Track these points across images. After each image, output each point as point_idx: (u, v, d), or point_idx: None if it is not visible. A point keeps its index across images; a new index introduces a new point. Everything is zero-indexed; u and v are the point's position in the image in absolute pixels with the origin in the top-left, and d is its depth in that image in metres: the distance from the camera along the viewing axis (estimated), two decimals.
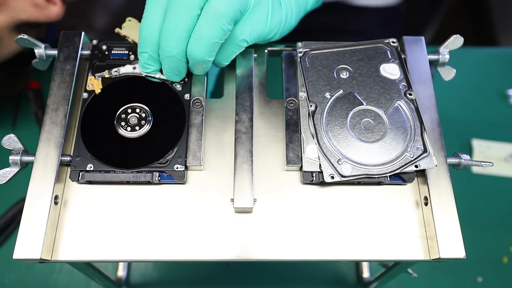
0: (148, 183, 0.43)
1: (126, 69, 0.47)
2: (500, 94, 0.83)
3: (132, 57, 0.48)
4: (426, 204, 0.43)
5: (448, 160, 0.44)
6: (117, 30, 0.47)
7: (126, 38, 0.48)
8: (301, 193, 0.44)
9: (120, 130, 0.44)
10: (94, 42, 0.48)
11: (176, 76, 0.45)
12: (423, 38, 0.50)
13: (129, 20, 0.48)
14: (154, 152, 0.43)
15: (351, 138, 0.44)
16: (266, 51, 0.50)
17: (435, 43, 0.54)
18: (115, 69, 0.47)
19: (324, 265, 0.68)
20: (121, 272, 0.66)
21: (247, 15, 0.43)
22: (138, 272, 0.67)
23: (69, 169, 0.43)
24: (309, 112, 0.45)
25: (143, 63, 0.45)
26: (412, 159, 0.43)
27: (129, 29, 0.48)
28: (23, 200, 0.44)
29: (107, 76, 0.46)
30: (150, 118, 0.45)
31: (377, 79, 0.47)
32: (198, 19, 0.41)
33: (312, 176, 0.43)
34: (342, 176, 0.42)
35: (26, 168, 0.42)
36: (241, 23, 0.43)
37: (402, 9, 0.90)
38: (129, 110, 0.45)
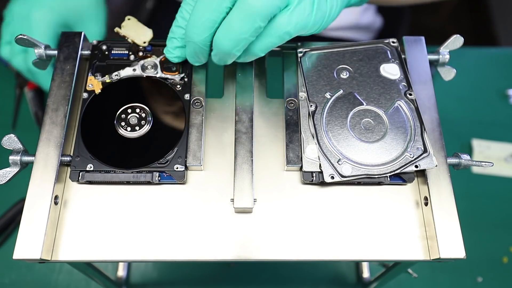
0: (148, 183, 0.43)
1: (126, 72, 0.47)
2: (500, 94, 0.83)
3: (132, 57, 0.48)
4: (426, 204, 0.43)
5: (448, 160, 0.44)
6: (116, 29, 0.47)
7: (126, 38, 0.48)
8: (301, 193, 0.44)
9: (120, 130, 0.44)
10: (94, 42, 0.48)
11: (195, 62, 0.45)
12: (423, 38, 0.50)
13: (129, 19, 0.48)
14: (154, 152, 0.43)
15: (351, 138, 0.44)
16: None
17: (434, 43, 0.54)
18: (116, 73, 0.47)
19: (324, 265, 0.68)
20: (121, 272, 0.66)
21: (293, 7, 0.40)
22: (138, 272, 0.67)
23: (69, 169, 0.43)
24: (309, 112, 0.45)
25: (168, 48, 0.46)
26: (412, 159, 0.43)
27: (128, 28, 0.48)
28: (23, 200, 0.43)
29: (108, 81, 0.46)
30: (150, 118, 0.45)
31: (377, 79, 0.47)
32: (229, 10, 0.40)
33: (312, 176, 0.43)
34: (342, 176, 0.42)
35: (26, 168, 0.42)
36: (287, 14, 0.40)
37: None
38: (129, 110, 0.45)
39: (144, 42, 0.47)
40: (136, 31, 0.47)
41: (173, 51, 0.46)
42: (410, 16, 1.01)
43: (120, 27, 0.48)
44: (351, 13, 0.87)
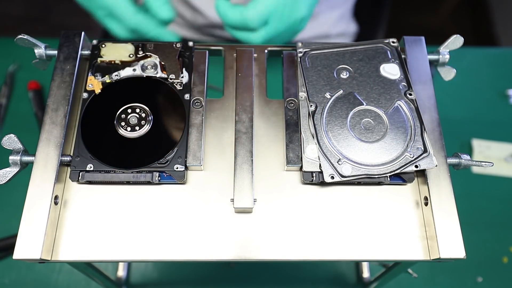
0: (148, 183, 0.43)
1: (126, 72, 0.47)
2: (500, 94, 0.83)
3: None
4: (426, 204, 0.43)
5: (448, 160, 0.44)
6: (99, 60, 0.47)
7: (112, 61, 0.47)
8: (301, 193, 0.44)
9: (120, 130, 0.44)
10: (94, 42, 0.48)
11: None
12: (423, 38, 0.50)
13: (104, 46, 0.48)
14: (154, 152, 0.43)
15: (351, 138, 0.44)
16: (266, 51, 0.51)
17: (434, 43, 0.54)
18: (116, 73, 0.47)
19: (324, 265, 0.68)
20: (121, 272, 0.66)
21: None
22: (138, 272, 0.67)
23: (69, 169, 0.43)
24: (309, 112, 0.45)
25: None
26: (412, 159, 0.43)
27: (108, 53, 0.47)
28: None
29: (108, 81, 0.46)
30: (150, 118, 0.45)
31: (377, 79, 0.47)
32: None
33: (312, 176, 0.43)
34: (342, 176, 0.42)
35: (26, 168, 0.42)
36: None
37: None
38: (129, 110, 0.45)
39: (130, 56, 0.47)
40: (117, 51, 0.47)
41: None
42: (388, 21, 1.01)
43: (101, 56, 0.47)
44: (324, 25, 0.87)
